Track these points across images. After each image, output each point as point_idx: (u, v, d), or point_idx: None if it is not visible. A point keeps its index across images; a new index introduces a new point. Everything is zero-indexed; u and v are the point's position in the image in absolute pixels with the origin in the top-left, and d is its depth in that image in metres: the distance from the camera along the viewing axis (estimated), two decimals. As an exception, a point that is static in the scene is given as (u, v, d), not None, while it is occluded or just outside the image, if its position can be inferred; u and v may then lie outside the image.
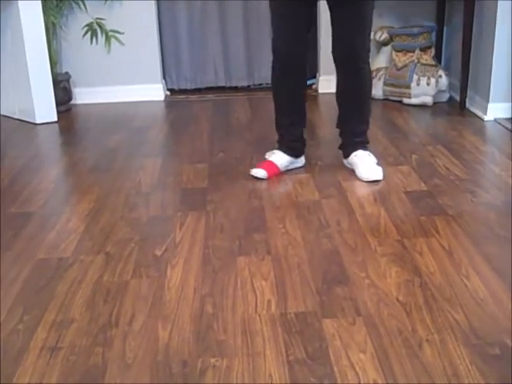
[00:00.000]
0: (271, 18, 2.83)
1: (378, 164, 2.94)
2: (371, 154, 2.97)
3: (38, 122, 4.01)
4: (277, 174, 2.94)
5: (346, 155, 2.99)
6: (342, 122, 3.01)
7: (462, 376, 1.56)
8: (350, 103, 2.95)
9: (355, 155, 2.94)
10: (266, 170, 2.92)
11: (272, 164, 2.95)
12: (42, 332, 1.81)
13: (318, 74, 4.61)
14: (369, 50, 2.84)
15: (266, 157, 3.05)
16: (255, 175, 2.91)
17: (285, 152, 2.99)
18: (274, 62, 2.88)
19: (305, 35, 2.81)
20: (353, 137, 2.97)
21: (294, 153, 3.01)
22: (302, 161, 3.05)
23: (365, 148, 2.97)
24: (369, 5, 2.75)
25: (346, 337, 1.73)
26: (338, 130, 3.03)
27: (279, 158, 2.98)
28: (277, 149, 3.02)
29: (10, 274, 2.16)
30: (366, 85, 2.93)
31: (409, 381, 1.55)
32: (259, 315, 1.85)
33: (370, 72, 2.92)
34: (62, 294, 2.01)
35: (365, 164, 2.90)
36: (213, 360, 1.66)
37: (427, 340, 1.70)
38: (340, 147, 3.04)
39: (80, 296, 2.00)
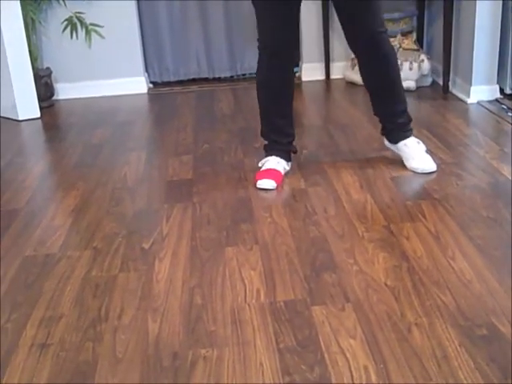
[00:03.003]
0: (256, 15, 2.62)
1: (426, 152, 2.82)
2: (420, 142, 2.84)
3: (20, 118, 3.98)
4: (282, 181, 2.74)
5: (394, 141, 2.84)
6: (379, 107, 2.84)
7: (451, 358, 1.57)
8: (383, 85, 2.77)
9: (405, 144, 2.79)
10: (272, 179, 2.69)
11: (275, 171, 2.73)
12: (30, 329, 1.81)
13: (300, 62, 4.60)
14: (386, 27, 2.67)
15: (261, 165, 2.80)
16: (263, 187, 2.67)
17: (281, 157, 2.78)
18: (262, 61, 2.68)
19: (296, 27, 2.68)
20: (395, 118, 2.80)
21: (289, 156, 2.83)
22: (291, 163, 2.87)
23: (412, 134, 2.82)
24: None
25: (335, 323, 1.74)
26: (376, 118, 2.86)
27: (277, 164, 2.76)
28: (270, 155, 2.79)
29: (-3, 272, 2.15)
30: (394, 61, 2.72)
31: (399, 365, 1.56)
32: (248, 305, 1.86)
33: (393, 47, 2.75)
34: (50, 291, 2.01)
35: (417, 154, 2.78)
36: (203, 351, 1.66)
37: (416, 324, 1.71)
38: (383, 133, 2.88)
39: (68, 292, 2.00)
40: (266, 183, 2.68)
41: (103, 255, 2.21)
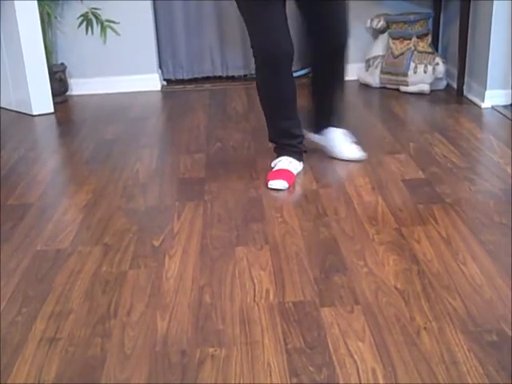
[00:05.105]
0: (247, 20, 2.60)
1: (354, 143, 2.97)
2: (347, 133, 2.97)
3: (34, 113, 4.00)
4: (294, 182, 2.74)
5: (317, 131, 2.98)
6: (319, 102, 2.95)
7: (459, 363, 1.56)
8: (331, 85, 2.88)
9: (332, 132, 2.94)
10: (284, 179, 2.69)
11: (287, 171, 2.73)
12: (40, 323, 1.82)
13: (314, 63, 4.59)
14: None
15: (273, 166, 2.80)
16: (274, 187, 2.67)
17: (293, 157, 2.78)
18: (260, 65, 2.67)
19: (287, 27, 2.61)
20: (330, 114, 2.96)
21: (301, 156, 2.84)
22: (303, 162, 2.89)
23: (340, 125, 2.96)
24: None
25: (344, 325, 1.74)
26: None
27: (289, 164, 2.76)
28: (282, 155, 2.80)
29: (8, 265, 2.16)
30: (344, 65, 2.84)
31: (407, 368, 1.55)
32: (257, 304, 1.86)
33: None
34: (61, 285, 2.02)
35: (344, 143, 2.94)
36: (211, 350, 1.67)
37: (425, 328, 1.71)
38: (310, 125, 2.99)
39: (78, 287, 2.00)
40: (277, 183, 2.68)
41: (114, 251, 2.22)
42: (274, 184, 2.68)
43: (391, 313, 1.78)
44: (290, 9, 2.66)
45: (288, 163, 2.76)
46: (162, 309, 1.86)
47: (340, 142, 2.95)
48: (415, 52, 4.08)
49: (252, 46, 2.64)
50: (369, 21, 4.28)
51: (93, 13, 4.35)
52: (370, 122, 3.57)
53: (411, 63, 4.06)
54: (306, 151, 2.88)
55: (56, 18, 4.33)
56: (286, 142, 2.80)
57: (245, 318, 1.79)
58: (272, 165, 2.81)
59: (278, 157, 2.81)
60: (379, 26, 4.23)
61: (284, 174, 2.72)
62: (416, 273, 1.98)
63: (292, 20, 2.66)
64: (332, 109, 2.96)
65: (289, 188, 2.68)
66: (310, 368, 1.57)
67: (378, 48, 4.30)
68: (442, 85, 4.17)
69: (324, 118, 2.98)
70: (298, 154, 2.81)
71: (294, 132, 2.80)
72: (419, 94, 4.07)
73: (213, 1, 4.57)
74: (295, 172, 2.76)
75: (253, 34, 2.62)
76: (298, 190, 2.68)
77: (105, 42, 4.44)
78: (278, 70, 2.64)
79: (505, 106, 3.65)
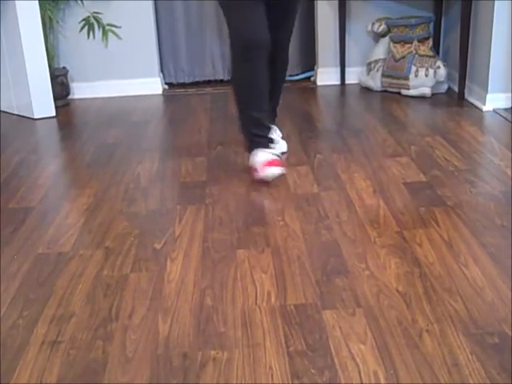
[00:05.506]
0: (226, 12, 2.72)
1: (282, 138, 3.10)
2: (276, 129, 3.09)
3: (36, 117, 4.01)
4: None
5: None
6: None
7: (461, 365, 1.56)
8: (274, 86, 2.97)
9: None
10: (277, 165, 2.76)
11: (275, 160, 2.78)
12: (42, 326, 1.82)
13: (316, 67, 4.60)
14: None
15: (252, 165, 2.81)
16: (274, 175, 2.75)
17: (267, 147, 2.82)
18: (236, 52, 2.74)
19: (265, 19, 2.69)
20: (273, 112, 3.07)
21: (272, 143, 2.88)
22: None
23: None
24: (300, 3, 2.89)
25: (346, 328, 1.74)
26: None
27: (270, 154, 2.79)
28: (258, 149, 2.80)
29: (9, 268, 2.16)
30: (287, 67, 3.03)
31: (409, 371, 1.55)
32: (259, 307, 1.85)
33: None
34: (62, 289, 2.02)
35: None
36: (213, 352, 1.66)
37: (427, 330, 1.71)
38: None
39: (80, 290, 2.00)
40: (274, 170, 2.75)
41: (115, 255, 2.22)
42: (271, 171, 2.74)
43: (393, 315, 1.78)
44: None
45: (269, 153, 2.78)
46: (164, 312, 1.86)
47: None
48: (416, 55, 4.08)
49: (230, 36, 2.74)
50: (370, 24, 4.29)
51: (94, 17, 4.36)
52: (371, 125, 3.57)
53: (412, 67, 4.06)
54: (273, 141, 2.91)
55: (58, 22, 4.34)
56: (258, 132, 2.83)
57: (246, 321, 1.79)
58: (250, 164, 2.82)
59: (251, 153, 2.83)
60: (380, 29, 4.24)
61: (273, 162, 2.76)
62: (418, 275, 1.98)
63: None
64: (274, 107, 3.08)
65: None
66: (312, 371, 1.57)
67: (379, 52, 4.30)
68: (444, 88, 4.17)
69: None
70: (269, 144, 2.85)
71: (265, 123, 2.85)
72: (420, 98, 4.07)
73: (214, 5, 4.58)
74: (278, 157, 2.82)
75: (231, 22, 2.73)
76: (300, 193, 2.68)
77: (106, 45, 4.45)
78: (253, 58, 2.69)
79: (506, 109, 3.65)
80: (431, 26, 4.25)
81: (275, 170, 2.76)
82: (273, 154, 2.80)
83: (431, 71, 4.02)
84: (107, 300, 1.94)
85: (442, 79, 4.07)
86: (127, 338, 1.75)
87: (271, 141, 2.88)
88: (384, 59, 4.26)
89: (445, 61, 4.19)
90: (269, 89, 2.84)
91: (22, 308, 1.92)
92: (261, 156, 2.79)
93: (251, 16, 2.68)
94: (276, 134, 3.05)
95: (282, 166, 2.79)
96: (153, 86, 4.57)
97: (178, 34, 4.65)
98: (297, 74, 4.73)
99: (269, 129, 2.89)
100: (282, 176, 2.83)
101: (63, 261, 2.20)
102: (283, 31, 2.87)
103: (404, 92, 4.13)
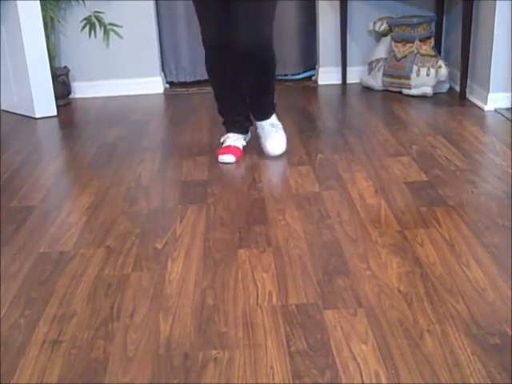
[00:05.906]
0: (197, 11, 2.93)
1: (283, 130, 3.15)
2: (278, 124, 3.15)
3: (37, 116, 4.00)
4: (241, 156, 3.08)
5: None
6: (247, 97, 3.11)
7: (463, 366, 1.56)
8: (251, 84, 3.02)
9: (258, 126, 3.13)
10: (232, 154, 3.04)
11: (234, 147, 3.07)
12: (43, 326, 1.82)
13: (317, 66, 4.60)
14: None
15: (222, 141, 3.15)
16: (224, 161, 3.02)
17: (239, 133, 3.13)
18: (206, 48, 2.99)
19: (228, 18, 2.82)
20: (254, 110, 3.14)
21: (246, 130, 3.18)
22: (249, 133, 3.22)
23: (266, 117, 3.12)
24: None
25: (347, 328, 1.74)
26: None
27: (237, 140, 3.11)
28: (229, 132, 3.14)
29: (11, 268, 2.16)
30: (274, 65, 3.00)
31: (410, 371, 1.55)
32: (260, 307, 1.85)
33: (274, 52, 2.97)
34: (63, 288, 2.02)
35: (268, 137, 3.09)
36: (214, 352, 1.66)
37: (428, 330, 1.70)
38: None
39: (81, 289, 2.00)
40: (226, 158, 3.02)
41: (116, 254, 2.22)
42: (224, 158, 3.02)
43: (394, 315, 1.78)
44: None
45: (234, 140, 3.11)
46: (165, 311, 1.86)
47: (265, 136, 3.09)
48: (418, 55, 4.08)
49: (201, 33, 2.97)
50: (371, 24, 4.28)
51: (96, 16, 4.36)
52: (372, 124, 3.56)
53: (414, 66, 4.06)
54: (252, 124, 3.18)
55: (59, 21, 4.34)
56: (232, 118, 3.15)
57: (248, 321, 1.79)
58: (221, 140, 3.15)
59: (226, 132, 3.15)
60: (382, 29, 4.23)
61: (231, 149, 3.06)
62: (419, 275, 1.98)
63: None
64: (255, 105, 3.13)
65: (236, 162, 3.02)
66: (313, 371, 1.57)
67: (381, 51, 4.30)
68: (445, 88, 4.17)
69: (252, 112, 3.17)
70: (243, 129, 3.15)
71: (239, 110, 3.13)
72: (422, 97, 4.07)
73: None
74: (241, 147, 3.11)
75: (200, 20, 2.94)
76: (301, 192, 2.67)
77: (108, 45, 4.45)
78: (219, 55, 2.96)
79: (507, 109, 3.65)
80: (433, 25, 4.25)
81: (226, 159, 3.03)
82: (239, 140, 3.11)
83: (433, 71, 4.01)
84: (108, 299, 1.94)
85: (443, 79, 4.07)
86: (128, 337, 1.75)
87: (244, 125, 3.15)
88: (385, 58, 4.25)
89: (446, 60, 4.19)
90: (256, 84, 3.00)
91: (23, 307, 1.92)
92: (227, 140, 3.11)
93: (213, 16, 2.87)
94: (272, 128, 3.11)
95: (236, 155, 3.04)
96: (154, 85, 4.57)
97: (179, 33, 4.64)
98: (298, 74, 4.73)
99: (242, 114, 3.13)
100: (283, 175, 2.84)
101: (64, 260, 2.20)
102: (254, 25, 2.82)
103: (405, 91, 4.13)
